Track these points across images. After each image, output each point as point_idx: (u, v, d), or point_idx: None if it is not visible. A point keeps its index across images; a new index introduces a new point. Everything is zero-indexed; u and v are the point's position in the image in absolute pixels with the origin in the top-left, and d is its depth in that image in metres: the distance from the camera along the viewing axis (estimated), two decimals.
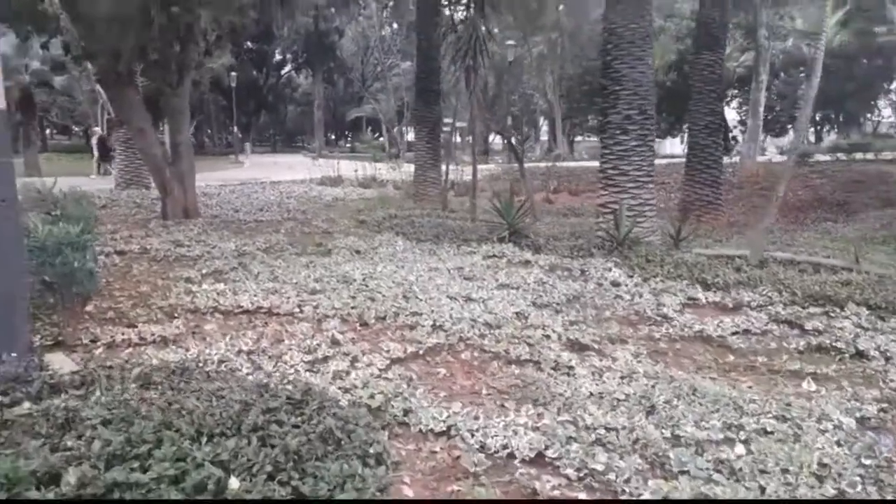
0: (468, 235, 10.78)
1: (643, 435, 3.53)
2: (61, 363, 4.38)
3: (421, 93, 17.14)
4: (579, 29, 28.39)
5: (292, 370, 4.51)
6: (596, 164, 28.17)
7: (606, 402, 4.05)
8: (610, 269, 8.06)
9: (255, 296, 6.64)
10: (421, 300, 6.58)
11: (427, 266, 8.44)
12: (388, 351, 4.94)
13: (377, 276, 7.64)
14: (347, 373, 4.54)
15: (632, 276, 7.74)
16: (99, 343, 5.10)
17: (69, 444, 3.05)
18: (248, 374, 4.45)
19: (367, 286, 7.19)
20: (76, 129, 42.64)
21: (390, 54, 39.44)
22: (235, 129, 42.25)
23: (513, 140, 16.24)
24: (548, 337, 5.40)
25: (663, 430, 3.61)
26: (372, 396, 3.94)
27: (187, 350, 4.81)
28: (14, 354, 4.00)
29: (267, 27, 39.27)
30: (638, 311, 6.41)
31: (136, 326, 5.46)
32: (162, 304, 6.36)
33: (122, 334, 5.25)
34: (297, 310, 6.26)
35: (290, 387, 3.88)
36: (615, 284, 7.40)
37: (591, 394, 4.19)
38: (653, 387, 4.29)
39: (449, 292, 6.96)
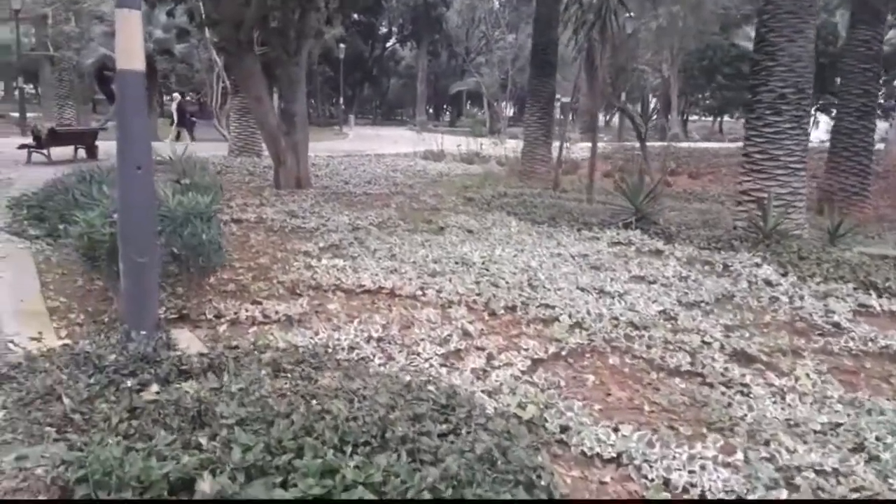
0: (588, 219, 10.10)
1: (864, 483, 2.88)
2: (188, 342, 4.15)
3: (537, 65, 16.39)
4: (701, 1, 26.58)
5: (427, 364, 4.10)
6: (713, 145, 26.55)
7: (802, 435, 3.39)
8: (759, 266, 7.22)
9: (375, 274, 6.31)
10: (549, 290, 6.04)
11: (548, 251, 7.88)
12: (526, 349, 4.44)
13: (497, 260, 7.16)
14: (486, 372, 4.09)
15: (785, 275, 6.88)
16: (223, 319, 4.88)
17: (203, 442, 2.74)
18: (380, 364, 4.07)
19: (487, 270, 6.72)
20: (190, 96, 44.36)
21: (497, 26, 38.53)
22: (341, 100, 42.65)
23: (635, 118, 15.22)
24: (707, 344, 4.75)
25: (889, 479, 2.94)
26: (522, 406, 3.46)
27: (316, 333, 4.50)
28: (143, 332, 3.77)
29: None
30: (803, 317, 5.61)
31: (260, 303, 5.22)
32: (283, 279, 6.13)
33: (246, 311, 5.02)
34: (419, 292, 5.87)
35: (432, 388, 3.46)
36: (769, 284, 6.59)
37: (780, 421, 3.54)
38: (855, 416, 3.59)
39: (579, 283, 6.38)
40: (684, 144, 24.25)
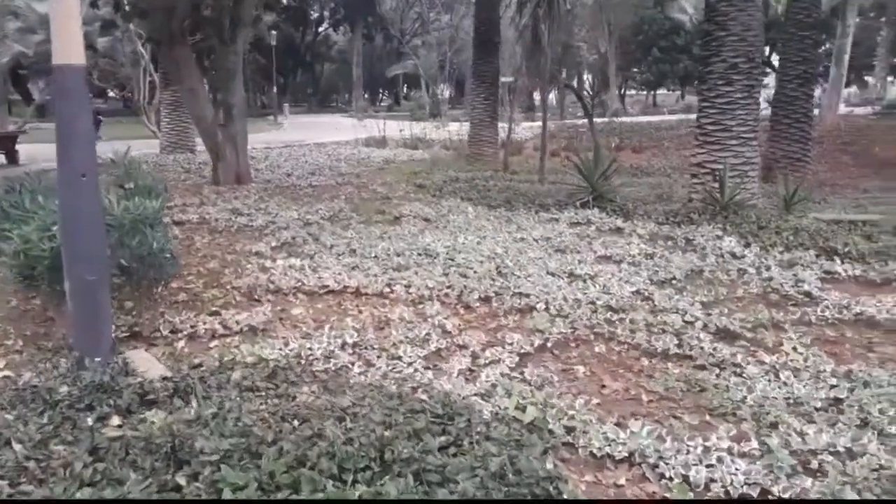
0: (543, 200, 9.99)
1: (882, 461, 2.80)
2: (146, 364, 3.79)
3: (480, 45, 16.13)
4: None
5: (410, 368, 3.85)
6: (654, 118, 26.89)
7: (807, 414, 3.31)
8: (720, 238, 7.23)
9: (337, 273, 6.00)
10: (520, 277, 5.87)
11: (510, 236, 7.71)
12: (511, 344, 4.25)
13: (461, 249, 6.95)
14: (473, 372, 3.88)
15: (748, 246, 6.90)
16: (180, 334, 4.51)
17: (183, 484, 2.44)
18: (360, 373, 3.81)
19: (453, 261, 6.50)
20: (113, 93, 42.40)
21: (432, 7, 38.04)
22: (275, 89, 41.48)
23: (581, 95, 15.15)
24: (689, 324, 4.66)
25: None
26: (520, 408, 3.26)
27: (286, 344, 4.18)
28: (98, 359, 3.40)
29: None
30: (774, 288, 5.60)
31: (218, 313, 4.86)
32: (238, 284, 5.77)
33: (204, 323, 4.66)
34: (387, 289, 5.61)
35: (424, 396, 3.23)
36: (734, 256, 6.58)
37: (780, 401, 3.45)
38: (853, 390, 3.53)
39: (548, 267, 6.24)
40: (626, 119, 24.50)
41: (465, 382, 3.65)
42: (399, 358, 3.99)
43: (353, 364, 3.94)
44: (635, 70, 37.61)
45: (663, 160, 16.66)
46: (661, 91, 43.68)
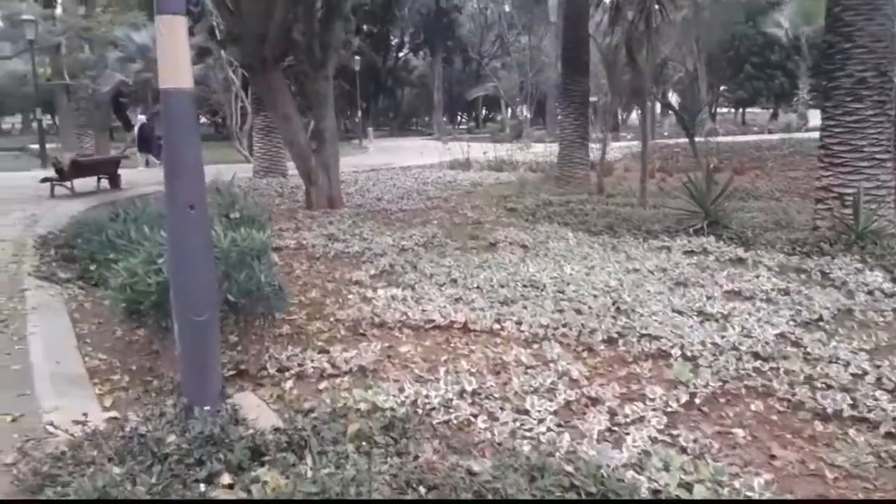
0: (649, 226, 9.38)
1: None
2: (256, 410, 3.50)
3: (568, 64, 15.70)
4: None
5: (541, 426, 3.41)
6: (752, 137, 25.55)
7: None
8: (861, 272, 6.47)
9: (442, 306, 5.65)
10: (643, 315, 5.34)
11: (620, 266, 7.18)
12: (652, 399, 3.74)
13: (570, 281, 6.47)
14: (614, 433, 3.40)
15: None
16: (288, 374, 4.24)
17: None
18: (485, 428, 3.40)
19: (563, 294, 6.04)
20: (204, 118, 44.15)
21: (513, 28, 37.85)
22: (360, 113, 42.15)
23: (681, 114, 14.45)
24: (857, 377, 4.03)
25: None
26: (686, 486, 2.76)
27: (400, 389, 3.82)
28: (207, 408, 3.14)
29: (386, 7, 38.80)
30: None
31: (327, 351, 4.57)
32: (341, 316, 5.50)
33: (312, 361, 4.37)
34: (496, 325, 5.21)
35: (570, 468, 2.78)
36: (885, 294, 5.83)
37: None
38: None
39: (672, 304, 5.68)
40: (722, 139, 23.37)
41: (611, 447, 3.17)
42: (526, 412, 3.56)
43: (475, 416, 3.53)
44: (724, 88, 36.16)
45: (769, 182, 15.62)
46: (749, 109, 41.86)
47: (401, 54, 52.57)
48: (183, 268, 3.11)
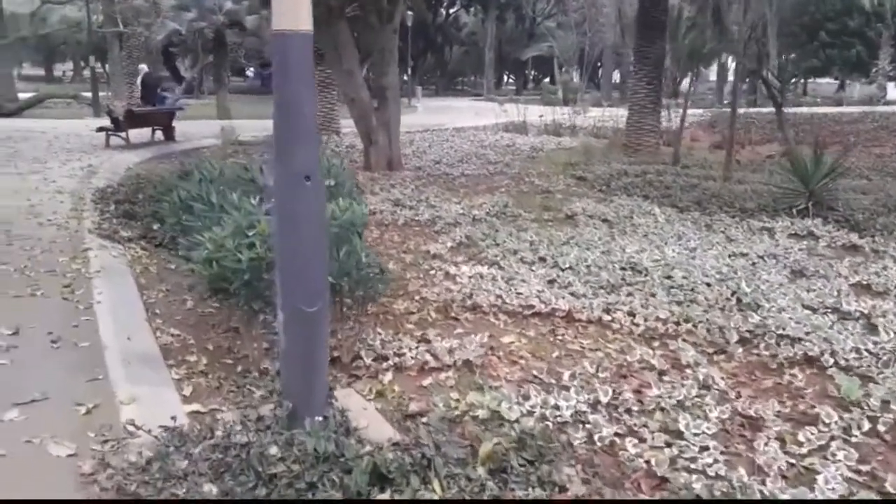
0: (743, 203, 8.62)
1: None
2: (365, 416, 3.01)
3: (644, 25, 14.71)
4: None
5: (706, 456, 2.84)
6: (831, 109, 24.00)
7: None
8: None
9: (540, 290, 5.08)
10: (771, 310, 4.70)
11: (725, 249, 6.53)
12: (827, 423, 3.13)
13: (674, 264, 5.84)
14: (793, 466, 2.82)
15: None
16: (384, 364, 3.74)
17: None
18: (636, 454, 2.85)
19: (671, 280, 5.42)
20: (250, 71, 43.71)
21: None
22: (409, 72, 41.21)
23: (770, 80, 13.45)
24: None
25: None
26: None
27: (524, 396, 3.29)
28: (318, 418, 2.65)
29: None
30: None
31: (426, 340, 4.05)
32: (427, 295, 5.00)
33: (410, 350, 3.86)
34: (605, 316, 4.63)
35: None
36: None
37: None
38: None
39: (799, 298, 5.02)
40: (802, 110, 22.00)
41: (793, 488, 2.60)
42: (679, 434, 3.00)
43: (619, 437, 2.98)
44: (793, 56, 34.25)
45: (854, 159, 14.54)
46: (818, 80, 39.71)
47: (452, 10, 51.16)
48: (294, 250, 2.58)
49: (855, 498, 2.51)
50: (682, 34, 15.62)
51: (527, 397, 3.24)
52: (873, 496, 2.58)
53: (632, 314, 4.64)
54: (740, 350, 4.08)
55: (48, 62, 42.82)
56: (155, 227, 6.47)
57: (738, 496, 2.51)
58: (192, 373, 3.66)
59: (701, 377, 3.61)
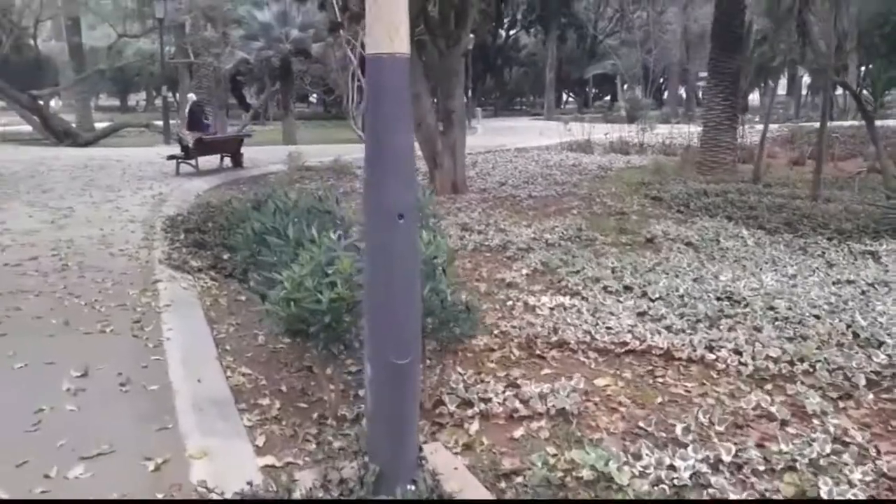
0: (838, 224, 7.99)
1: None
2: (455, 477, 2.69)
3: (719, 38, 14.12)
4: None
5: None
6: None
7: None
8: None
9: (630, 323, 4.68)
10: (894, 346, 4.18)
11: (828, 276, 5.97)
12: None
13: (774, 294, 5.34)
14: None
15: None
16: (470, 411, 3.42)
17: None
18: None
19: (776, 311, 4.93)
20: (313, 97, 44.42)
21: (635, 2, 35.67)
22: (469, 94, 41.25)
23: (856, 92, 12.68)
24: None
25: None
26: None
27: (634, 455, 2.90)
28: (410, 487, 2.34)
29: None
30: None
31: (515, 384, 3.71)
32: (507, 329, 4.67)
33: (496, 395, 3.53)
34: (708, 354, 4.19)
35: None
36: None
37: None
38: None
39: None
40: (889, 122, 20.79)
41: None
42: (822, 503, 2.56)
43: None
44: (870, 67, 32.60)
45: None
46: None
47: (511, 32, 51.12)
48: (384, 295, 2.30)
49: (856, 498, 2.37)
50: (751, 48, 14.95)
51: (638, 456, 2.86)
52: None
53: (738, 352, 4.19)
54: (870, 396, 3.59)
55: (123, 93, 44.71)
56: (225, 256, 6.38)
57: None
58: (265, 419, 3.42)
59: (832, 429, 3.15)
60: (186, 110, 20.20)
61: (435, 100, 13.49)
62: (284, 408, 3.56)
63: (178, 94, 29.60)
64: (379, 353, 2.35)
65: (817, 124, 23.58)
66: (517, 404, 3.43)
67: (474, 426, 3.29)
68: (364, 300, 2.43)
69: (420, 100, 11.10)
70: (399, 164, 2.29)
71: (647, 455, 2.84)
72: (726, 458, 2.86)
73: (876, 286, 5.65)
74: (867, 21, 27.18)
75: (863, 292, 5.48)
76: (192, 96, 19.89)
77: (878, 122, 22.00)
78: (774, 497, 2.54)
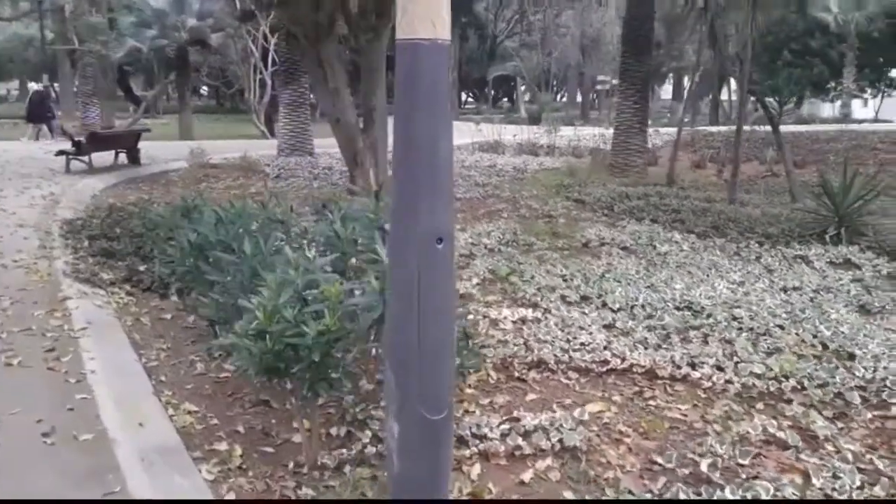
0: (765, 229, 8.20)
1: None
2: None
3: (630, 42, 14.41)
4: None
5: None
6: (804, 128, 24.22)
7: None
8: None
9: (602, 338, 4.46)
10: (865, 356, 4.19)
11: (773, 283, 6.03)
12: None
13: (732, 303, 5.31)
14: None
15: None
16: (468, 451, 3.04)
17: None
18: None
19: (739, 321, 4.86)
20: (204, 90, 42.26)
21: (537, 4, 36.23)
22: None
23: (764, 101, 13.23)
24: None
25: None
26: None
27: (663, 499, 2.63)
28: None
29: None
30: None
31: (515, 419, 3.34)
32: (476, 343, 4.31)
33: (491, 430, 3.17)
34: (692, 371, 4.03)
35: None
36: None
37: None
38: None
39: (890, 340, 4.52)
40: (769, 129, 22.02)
41: None
42: None
43: None
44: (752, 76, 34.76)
45: (839, 176, 14.45)
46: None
47: None
48: (417, 336, 1.88)
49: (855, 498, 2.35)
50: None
51: (645, 485, 2.59)
52: None
53: (720, 368, 4.05)
54: (869, 415, 3.51)
55: None
56: (141, 268, 5.66)
57: None
58: (227, 471, 2.91)
59: (850, 456, 3.01)
60: (27, 100, 18.81)
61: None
62: (247, 454, 3.05)
63: (56, 84, 27.24)
64: (408, 407, 1.94)
65: (711, 129, 24.78)
66: (519, 441, 3.08)
67: (475, 469, 2.93)
68: (388, 342, 2.01)
69: (339, 95, 10.58)
70: (438, 177, 1.90)
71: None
72: (765, 497, 2.64)
73: (820, 292, 5.73)
74: (767, 31, 28.91)
75: (811, 299, 5.54)
76: (33, 85, 18.46)
77: (791, 128, 23.36)
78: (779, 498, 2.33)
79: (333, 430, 3.23)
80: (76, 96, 23.32)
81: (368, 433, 3.13)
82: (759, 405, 3.67)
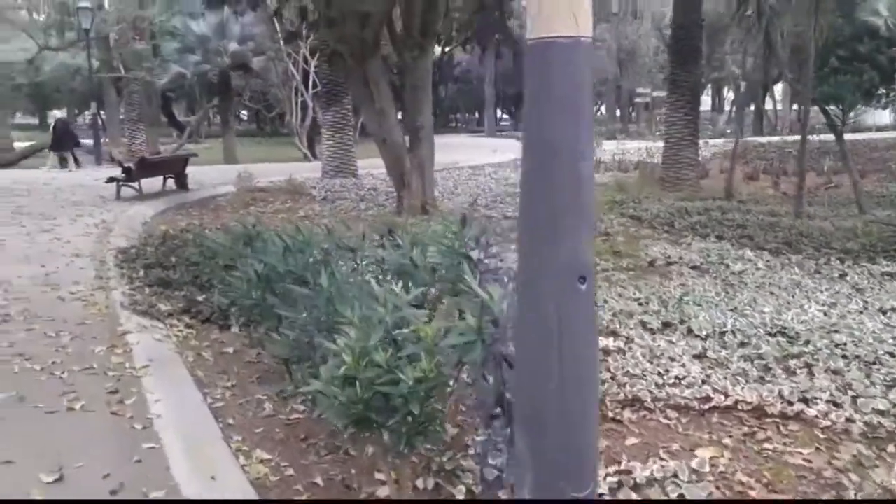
0: (844, 244, 7.72)
1: None
2: None
3: (678, 52, 14.03)
4: None
5: None
6: (863, 136, 23.36)
7: None
8: None
9: (700, 372, 4.09)
10: None
11: (867, 304, 5.59)
12: None
13: (828, 327, 4.89)
14: None
15: None
16: None
17: None
18: None
19: (843, 349, 4.45)
20: (244, 114, 42.86)
21: None
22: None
23: (827, 109, 12.70)
24: None
25: None
26: None
27: None
28: None
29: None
30: None
31: (627, 471, 3.02)
32: None
33: (600, 486, 2.83)
34: (804, 408, 3.63)
35: None
36: None
37: None
38: None
39: None
40: (823, 137, 21.32)
41: None
42: None
43: None
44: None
45: None
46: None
47: (447, 48, 50.96)
48: (557, 391, 1.59)
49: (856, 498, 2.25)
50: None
51: None
52: None
53: (836, 404, 3.65)
54: None
55: (41, 110, 41.87)
56: (200, 298, 5.47)
57: None
58: None
59: None
60: (51, 128, 19.05)
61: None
62: None
63: (102, 112, 27.80)
64: (547, 482, 1.63)
65: (760, 139, 24.08)
66: (633, 496, 2.75)
67: None
68: (519, 400, 1.71)
69: (385, 116, 10.42)
70: (580, 205, 1.61)
71: None
72: None
73: None
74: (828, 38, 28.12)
75: None
76: (56, 113, 18.64)
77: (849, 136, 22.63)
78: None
79: (420, 483, 2.93)
80: (122, 123, 23.70)
81: (462, 488, 2.82)
82: (890, 447, 3.26)
